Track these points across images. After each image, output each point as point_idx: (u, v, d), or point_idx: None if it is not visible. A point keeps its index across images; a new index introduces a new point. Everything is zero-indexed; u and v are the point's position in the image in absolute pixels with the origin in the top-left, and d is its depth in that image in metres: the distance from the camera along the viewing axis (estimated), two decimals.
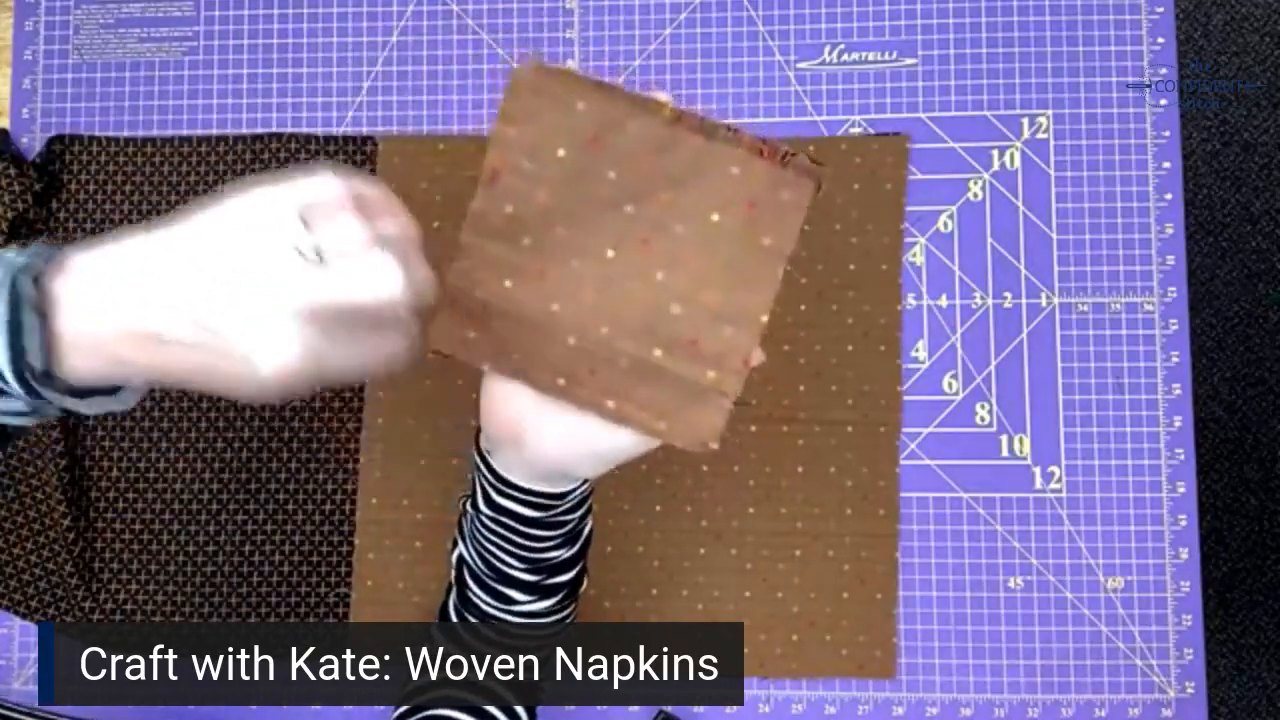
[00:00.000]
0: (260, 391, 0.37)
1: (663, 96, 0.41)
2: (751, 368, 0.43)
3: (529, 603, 0.52)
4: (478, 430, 0.49)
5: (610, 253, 0.43)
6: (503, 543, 0.50)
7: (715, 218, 0.42)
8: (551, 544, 0.51)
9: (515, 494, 0.48)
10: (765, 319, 0.42)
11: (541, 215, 0.42)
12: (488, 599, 0.53)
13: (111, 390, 0.39)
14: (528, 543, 0.50)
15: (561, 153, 0.42)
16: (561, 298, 0.43)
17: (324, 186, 0.38)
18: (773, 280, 0.42)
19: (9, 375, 0.36)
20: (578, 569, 0.54)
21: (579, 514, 0.51)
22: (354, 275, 0.37)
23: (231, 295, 0.36)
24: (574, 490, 0.49)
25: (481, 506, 0.50)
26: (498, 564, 0.51)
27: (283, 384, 0.37)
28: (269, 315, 0.36)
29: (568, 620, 0.56)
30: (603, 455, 0.46)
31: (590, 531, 0.54)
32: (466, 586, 0.54)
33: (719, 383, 0.43)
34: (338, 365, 0.38)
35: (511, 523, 0.49)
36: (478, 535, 0.52)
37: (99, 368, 0.37)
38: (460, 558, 0.55)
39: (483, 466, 0.49)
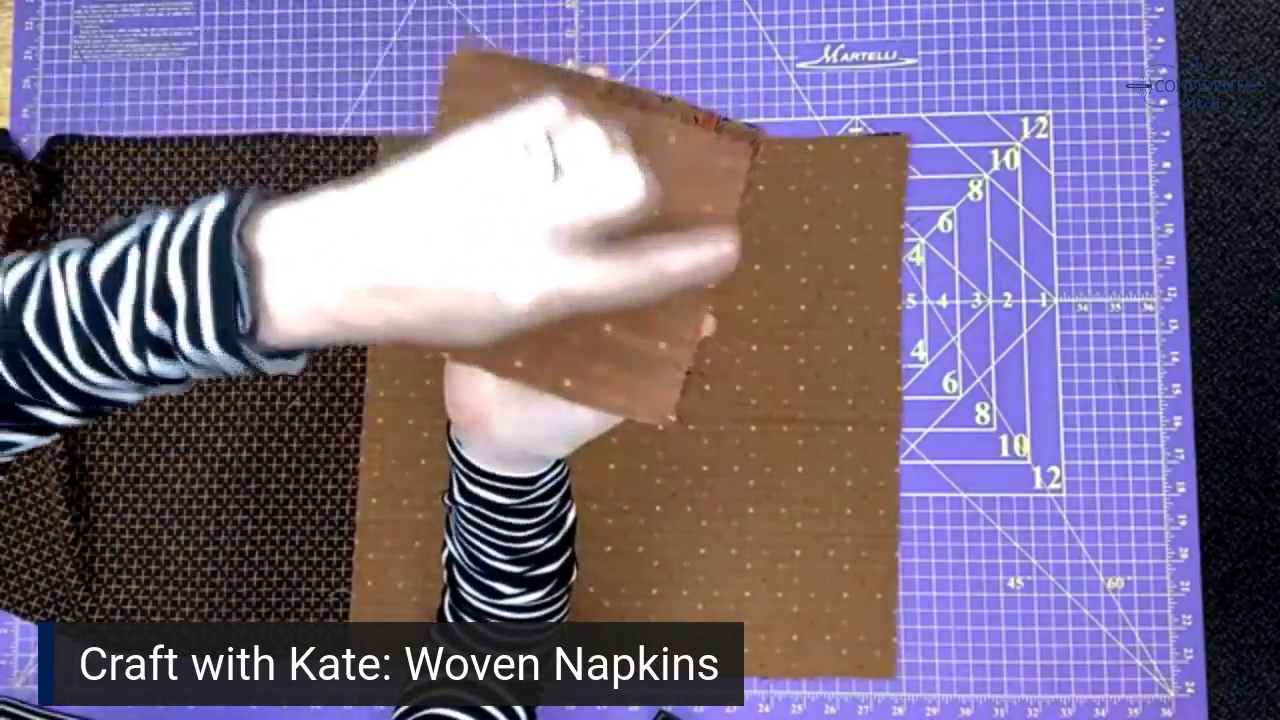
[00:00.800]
0: (504, 329, 0.35)
1: (597, 71, 0.41)
2: (703, 336, 0.43)
3: (516, 595, 0.52)
4: (449, 422, 0.50)
5: None
6: (483, 534, 0.50)
7: None
8: (531, 532, 0.51)
9: (487, 481, 0.48)
10: (711, 286, 0.43)
11: None
12: (477, 594, 0.53)
13: (292, 352, 0.36)
14: (506, 532, 0.50)
15: None
16: None
17: (552, 104, 0.34)
18: None
19: (211, 339, 0.33)
20: (564, 559, 0.54)
21: (555, 500, 0.51)
22: (598, 183, 0.34)
23: (475, 226, 0.33)
24: (545, 474, 0.49)
25: (458, 498, 0.51)
26: (482, 557, 0.51)
27: (534, 317, 0.34)
28: (518, 241, 0.33)
29: (560, 615, 0.56)
30: (566, 434, 0.46)
31: (574, 521, 0.54)
32: (458, 584, 0.54)
33: (670, 353, 0.43)
34: (585, 292, 0.34)
35: (487, 511, 0.49)
36: (460, 529, 0.52)
37: (312, 331, 0.34)
38: (450, 556, 0.55)
39: (455, 457, 0.50)
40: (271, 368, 0.35)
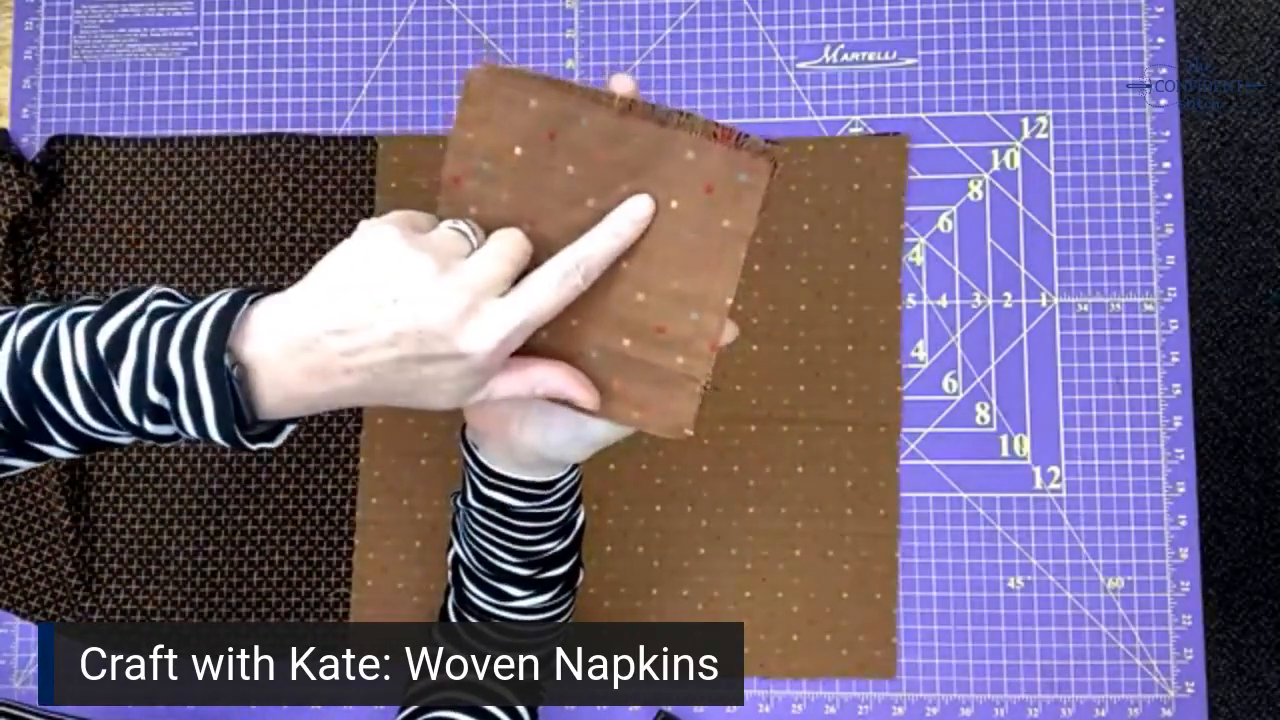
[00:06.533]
0: (472, 385, 0.40)
1: (623, 82, 0.42)
2: (727, 348, 0.44)
3: (525, 598, 0.52)
4: (464, 424, 0.50)
5: None
6: (495, 537, 0.50)
7: (674, 204, 0.42)
8: (543, 536, 0.51)
9: (503, 484, 0.48)
10: (730, 301, 0.43)
11: (505, 215, 0.43)
12: (485, 596, 0.53)
13: (272, 432, 0.42)
14: (519, 535, 0.50)
15: (519, 151, 0.42)
16: None
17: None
18: (735, 263, 0.42)
19: (215, 434, 0.39)
20: (572, 562, 0.54)
21: (568, 505, 0.51)
22: (504, 243, 0.40)
23: (438, 300, 0.38)
24: (562, 479, 0.49)
25: (471, 500, 0.51)
26: (492, 560, 0.51)
27: (496, 358, 0.39)
28: (476, 300, 0.38)
29: (565, 616, 0.56)
30: (583, 440, 0.46)
31: (583, 523, 0.54)
32: (464, 585, 0.54)
33: (689, 368, 0.43)
34: (527, 317, 0.40)
35: (501, 515, 0.49)
36: (470, 531, 0.52)
37: (298, 410, 0.40)
38: (456, 557, 0.55)
39: (470, 459, 0.50)
40: (255, 449, 0.42)
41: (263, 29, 0.74)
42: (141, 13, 0.75)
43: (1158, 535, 0.68)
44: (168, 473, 0.71)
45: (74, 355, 0.39)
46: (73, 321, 0.40)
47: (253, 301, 0.39)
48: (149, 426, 0.40)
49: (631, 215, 0.41)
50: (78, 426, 0.40)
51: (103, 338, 0.39)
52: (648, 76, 0.72)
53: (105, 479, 0.71)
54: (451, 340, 0.38)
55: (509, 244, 0.41)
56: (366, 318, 0.38)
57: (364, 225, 0.40)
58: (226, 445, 0.40)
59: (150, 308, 0.40)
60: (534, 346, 0.44)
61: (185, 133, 0.73)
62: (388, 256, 0.38)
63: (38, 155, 0.73)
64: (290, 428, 0.42)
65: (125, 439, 0.42)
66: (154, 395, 0.38)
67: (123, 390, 0.39)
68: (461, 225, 0.41)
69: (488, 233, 0.43)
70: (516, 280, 0.41)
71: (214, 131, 0.73)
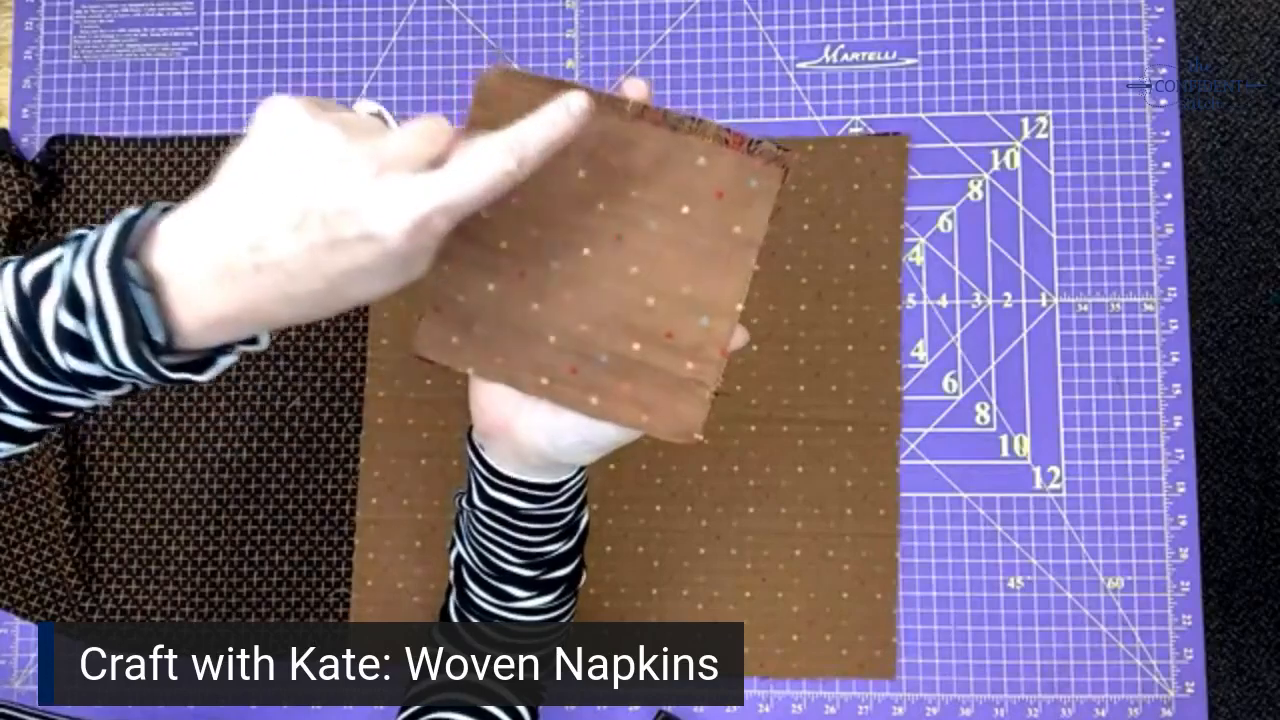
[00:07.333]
0: (398, 267, 0.37)
1: (636, 86, 0.41)
2: (733, 351, 0.44)
3: (528, 599, 0.52)
4: (470, 425, 0.50)
5: (586, 251, 0.43)
6: (499, 538, 0.50)
7: (685, 210, 0.42)
8: (548, 537, 0.51)
9: (509, 486, 0.48)
10: (740, 307, 0.43)
11: (515, 218, 0.43)
12: (488, 597, 0.53)
13: (202, 365, 0.39)
14: (524, 536, 0.50)
15: None
16: (541, 298, 0.43)
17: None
18: (745, 269, 0.42)
19: (126, 357, 0.36)
20: (576, 563, 0.54)
21: (574, 506, 0.51)
22: (423, 122, 0.37)
23: (308, 185, 0.35)
24: (568, 481, 0.49)
25: (476, 501, 0.50)
26: (496, 560, 0.51)
27: (417, 240, 0.36)
28: (359, 183, 0.35)
29: (568, 617, 0.56)
30: (593, 444, 0.46)
31: (586, 524, 0.54)
32: (466, 586, 0.54)
33: (698, 373, 0.43)
34: (449, 200, 0.36)
35: (506, 516, 0.49)
36: (474, 532, 0.52)
37: (219, 332, 0.37)
38: (458, 557, 0.55)
39: (476, 460, 0.50)
40: (176, 379, 0.38)
41: (263, 29, 0.74)
42: (141, 13, 0.75)
43: (1158, 535, 0.68)
44: (168, 473, 0.71)
45: (4, 299, 0.37)
46: (3, 265, 0.38)
47: (164, 211, 0.37)
48: (73, 363, 0.37)
49: (568, 105, 0.39)
50: (18, 383, 0.39)
51: (27, 275, 0.37)
52: (648, 76, 0.72)
53: (105, 479, 0.71)
54: (358, 216, 0.35)
55: (429, 123, 0.37)
56: (266, 199, 0.35)
57: (264, 101, 0.37)
58: (147, 378, 0.37)
59: (75, 236, 0.38)
60: (541, 352, 0.44)
61: (185, 133, 0.73)
62: (290, 129, 0.36)
63: (38, 155, 0.73)
64: (224, 362, 0.39)
65: (73, 399, 0.40)
66: (67, 320, 0.36)
67: (46, 324, 0.36)
68: (381, 109, 0.39)
69: (492, 241, 0.43)
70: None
71: (214, 131, 0.73)
